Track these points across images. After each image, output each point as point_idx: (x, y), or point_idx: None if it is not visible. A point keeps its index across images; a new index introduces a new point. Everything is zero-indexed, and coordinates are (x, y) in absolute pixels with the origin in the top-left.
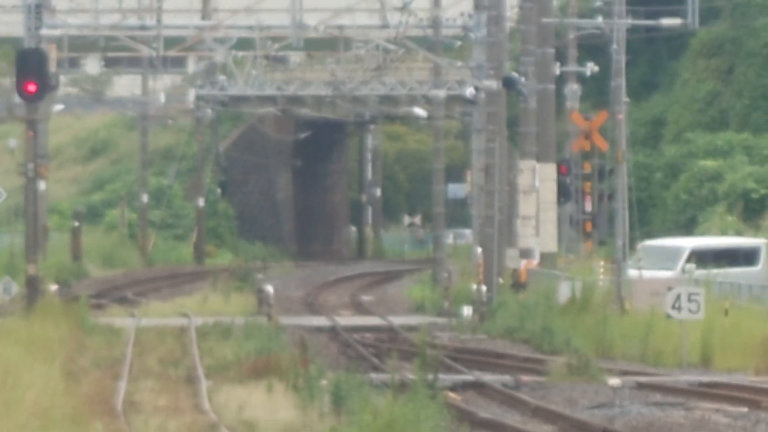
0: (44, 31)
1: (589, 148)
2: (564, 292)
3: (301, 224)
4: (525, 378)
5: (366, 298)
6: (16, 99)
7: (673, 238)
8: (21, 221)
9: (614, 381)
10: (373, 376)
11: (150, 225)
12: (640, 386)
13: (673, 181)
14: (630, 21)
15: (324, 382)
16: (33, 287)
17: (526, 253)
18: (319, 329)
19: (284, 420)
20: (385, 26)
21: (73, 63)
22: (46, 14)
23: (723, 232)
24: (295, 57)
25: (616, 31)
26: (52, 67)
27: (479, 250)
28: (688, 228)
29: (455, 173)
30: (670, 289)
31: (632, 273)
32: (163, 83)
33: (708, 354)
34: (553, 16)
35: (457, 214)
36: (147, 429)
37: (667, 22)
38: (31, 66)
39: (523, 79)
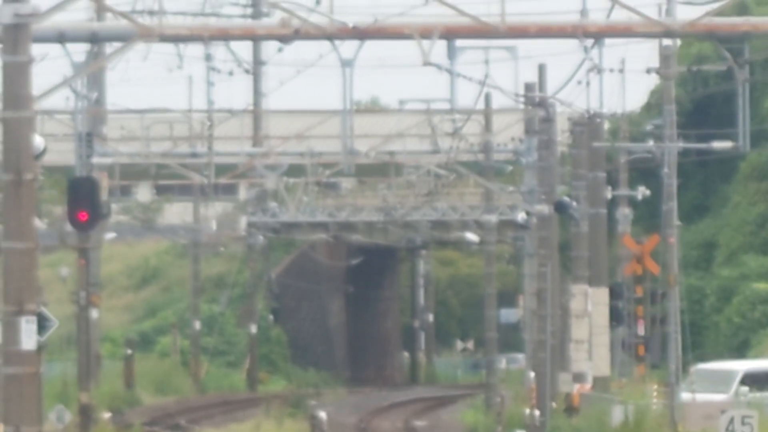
0: (95, 160)
1: (641, 271)
2: (617, 416)
3: (353, 350)
4: None
5: (419, 423)
6: (68, 227)
7: (726, 361)
8: (73, 349)
9: None
10: None
11: (202, 352)
12: None
13: (725, 304)
14: (681, 144)
15: None
16: (86, 415)
17: (578, 378)
18: None
19: None
20: (436, 151)
21: (125, 191)
22: (97, 142)
23: None
24: (347, 183)
25: (667, 154)
26: (104, 196)
27: (532, 374)
28: (740, 351)
29: (507, 298)
30: (723, 412)
31: (685, 396)
32: (214, 210)
33: None
34: (604, 140)
35: (510, 338)
36: None
37: (718, 145)
38: (82, 194)
39: (574, 204)
